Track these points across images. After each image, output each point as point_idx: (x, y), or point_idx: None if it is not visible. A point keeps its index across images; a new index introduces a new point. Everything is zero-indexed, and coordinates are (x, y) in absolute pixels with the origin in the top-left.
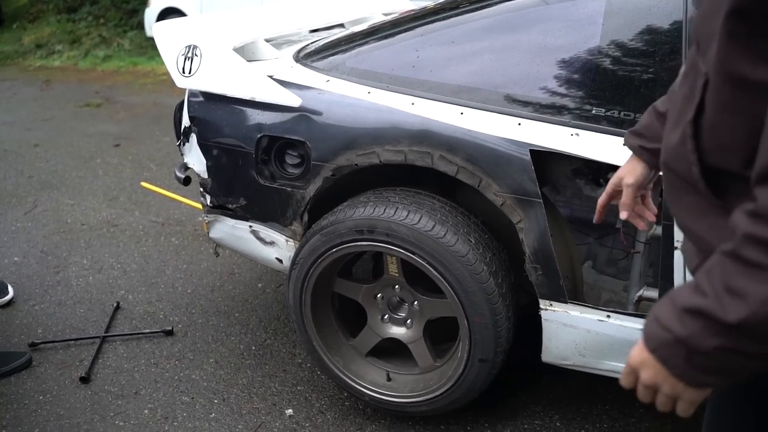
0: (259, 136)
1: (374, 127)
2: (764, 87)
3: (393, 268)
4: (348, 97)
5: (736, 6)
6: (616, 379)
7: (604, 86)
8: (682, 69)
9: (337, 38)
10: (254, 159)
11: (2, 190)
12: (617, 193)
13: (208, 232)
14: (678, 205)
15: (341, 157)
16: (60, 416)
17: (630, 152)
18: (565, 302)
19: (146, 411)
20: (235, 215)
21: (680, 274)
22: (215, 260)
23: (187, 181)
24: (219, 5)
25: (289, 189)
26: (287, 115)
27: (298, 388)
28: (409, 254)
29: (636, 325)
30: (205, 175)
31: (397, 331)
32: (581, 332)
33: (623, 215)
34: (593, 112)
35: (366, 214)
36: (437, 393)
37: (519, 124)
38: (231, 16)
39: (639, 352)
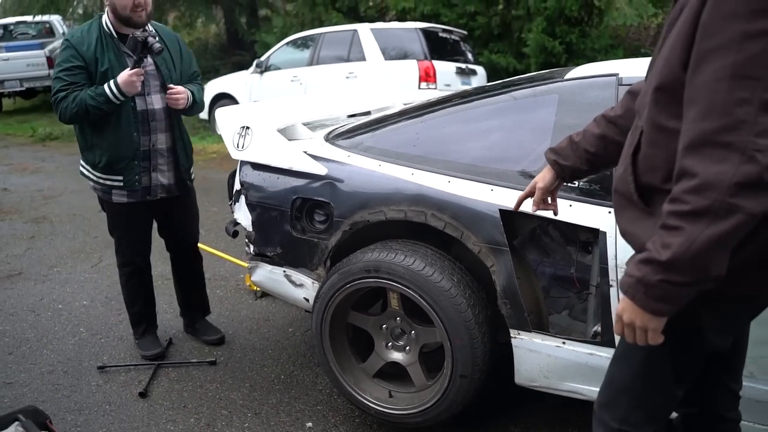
0: (294, 197)
1: (382, 191)
2: (675, 131)
3: (394, 303)
4: (363, 169)
5: (658, 85)
6: (587, 406)
7: None
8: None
9: (359, 122)
10: (289, 216)
11: (73, 248)
12: (532, 193)
13: (250, 276)
14: (621, 216)
15: (357, 215)
16: (122, 421)
17: (547, 164)
18: (529, 331)
19: (192, 420)
20: (272, 262)
21: (615, 302)
22: (254, 309)
23: (235, 234)
24: (266, 92)
25: (316, 240)
26: (316, 182)
27: (318, 407)
28: (405, 288)
29: (586, 350)
30: (251, 229)
31: (398, 357)
32: (543, 357)
33: (533, 209)
34: None
35: (373, 257)
36: (428, 405)
37: (492, 189)
38: (277, 104)
39: (620, 302)
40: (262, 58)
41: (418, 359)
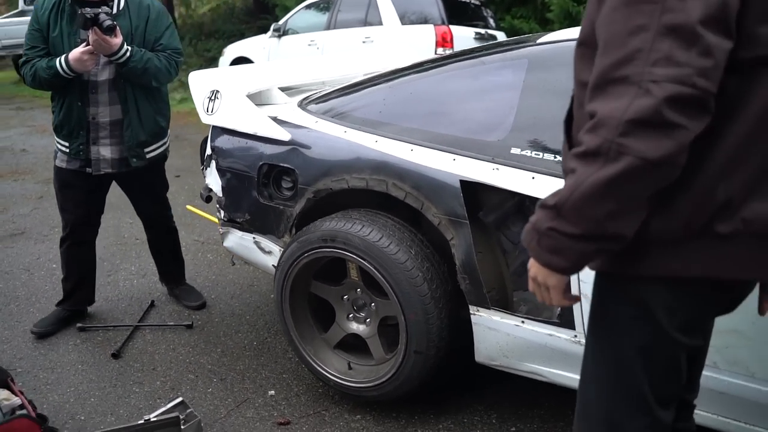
0: (260, 163)
1: (346, 159)
2: None
3: (353, 273)
4: (328, 135)
5: (580, 40)
6: (554, 388)
7: (521, 130)
8: None
9: (333, 89)
10: (256, 182)
11: None
12: None
13: (222, 242)
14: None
15: (320, 182)
16: (91, 380)
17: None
18: (488, 308)
19: (158, 382)
20: (242, 228)
21: (575, 286)
22: (239, 274)
23: (209, 199)
24: (283, 56)
25: (282, 207)
26: (282, 148)
27: (284, 375)
28: (360, 260)
29: (545, 330)
30: (221, 194)
31: (358, 328)
32: (502, 335)
33: None
34: (511, 150)
35: (330, 227)
36: (383, 380)
37: (454, 159)
38: (256, 68)
39: None
40: (280, 22)
41: (377, 332)
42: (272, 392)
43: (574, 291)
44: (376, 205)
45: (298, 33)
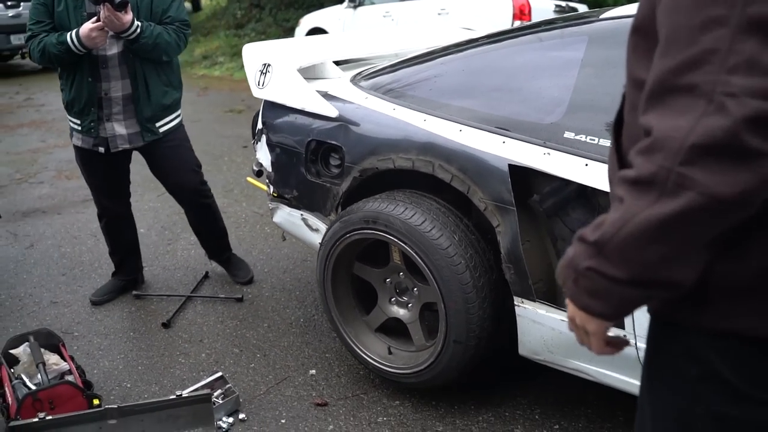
0: (308, 140)
1: (393, 137)
2: None
3: (396, 257)
4: (377, 112)
5: (635, 26)
6: (606, 388)
7: (577, 113)
8: None
9: (387, 64)
10: (304, 158)
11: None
12: None
13: (272, 217)
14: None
15: (366, 161)
16: (140, 349)
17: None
18: (533, 301)
19: (203, 355)
20: (290, 204)
21: None
22: (294, 248)
23: (259, 173)
24: (358, 26)
25: (329, 185)
26: (330, 124)
27: (326, 355)
28: (401, 243)
29: None
30: (270, 169)
31: (400, 312)
32: (547, 330)
33: None
34: (565, 134)
35: (373, 208)
36: (422, 367)
37: (503, 142)
38: (311, 41)
39: None
40: None
41: (419, 318)
42: (313, 371)
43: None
44: (427, 186)
45: (374, 4)
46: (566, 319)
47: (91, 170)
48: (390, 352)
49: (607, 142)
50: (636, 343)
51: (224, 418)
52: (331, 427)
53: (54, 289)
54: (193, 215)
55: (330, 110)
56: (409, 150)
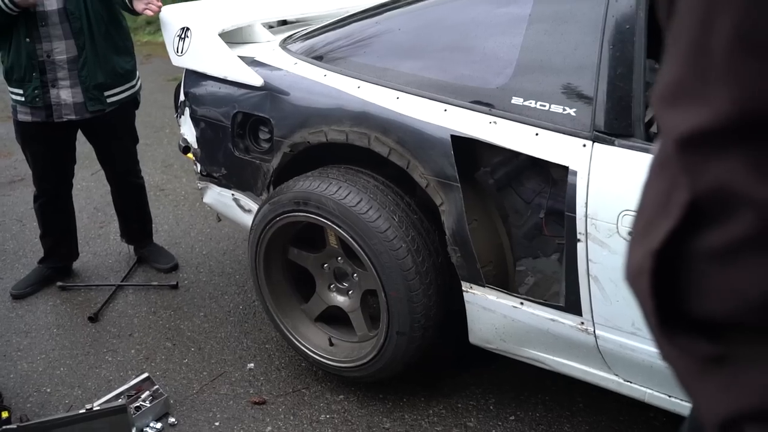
0: (234, 112)
1: (324, 107)
2: None
3: (332, 240)
4: (307, 79)
5: None
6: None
7: (525, 75)
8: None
9: (318, 25)
10: (231, 133)
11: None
12: None
13: (202, 197)
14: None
15: (296, 135)
16: (64, 347)
17: None
18: (482, 286)
19: (133, 351)
20: (220, 183)
21: (583, 266)
22: (236, 228)
23: (186, 150)
24: None
25: (258, 162)
26: (256, 94)
27: (266, 346)
28: (335, 227)
29: (547, 314)
30: (195, 146)
31: (340, 300)
32: (498, 317)
33: None
34: (512, 100)
35: (303, 188)
36: (365, 360)
37: (445, 110)
38: (240, 1)
39: None
40: None
41: (361, 306)
42: (251, 365)
43: (581, 270)
44: (369, 162)
45: None
46: (520, 306)
47: (34, 147)
48: (331, 344)
49: (558, 108)
50: (594, 331)
51: (152, 424)
52: (269, 428)
53: None
54: (119, 195)
55: (255, 78)
56: (342, 121)
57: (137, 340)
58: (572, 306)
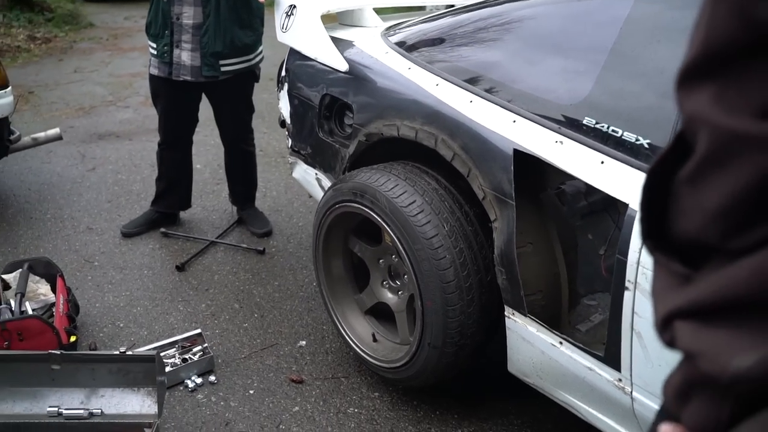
0: (323, 93)
1: (401, 101)
2: None
3: (387, 237)
4: (392, 70)
5: None
6: None
7: (603, 94)
8: None
9: (420, 17)
10: (318, 114)
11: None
12: None
13: (291, 171)
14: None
15: (372, 125)
16: (147, 288)
17: None
18: (524, 315)
19: (203, 305)
20: (306, 161)
21: (628, 318)
22: None
23: (282, 124)
24: None
25: (338, 146)
26: (343, 79)
27: (323, 327)
28: (384, 223)
29: (585, 361)
30: (288, 121)
31: (389, 298)
32: (537, 352)
33: None
34: (584, 120)
35: (363, 179)
36: (398, 364)
37: (514, 121)
38: None
39: None
40: None
41: (407, 308)
42: (303, 343)
43: (625, 322)
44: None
45: None
46: (558, 345)
47: (159, 99)
48: (375, 340)
49: (632, 137)
50: (632, 392)
51: (194, 377)
52: (296, 408)
53: (95, 215)
54: (229, 158)
55: (341, 63)
56: (415, 117)
57: (210, 296)
58: (612, 359)
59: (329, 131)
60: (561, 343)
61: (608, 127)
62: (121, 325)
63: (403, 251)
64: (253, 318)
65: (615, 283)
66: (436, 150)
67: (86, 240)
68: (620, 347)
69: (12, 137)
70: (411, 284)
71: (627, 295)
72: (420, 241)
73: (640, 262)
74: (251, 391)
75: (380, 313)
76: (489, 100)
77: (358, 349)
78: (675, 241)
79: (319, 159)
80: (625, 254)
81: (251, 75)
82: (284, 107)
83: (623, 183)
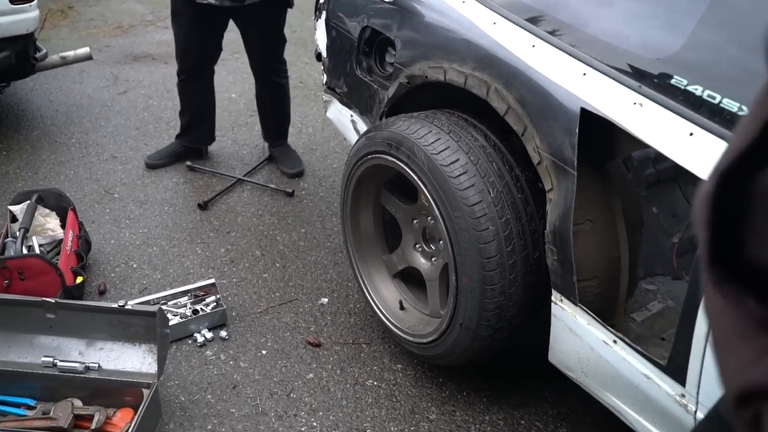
0: (363, 26)
1: (452, 39)
2: None
3: (423, 197)
4: (443, 3)
5: None
6: None
7: (698, 51)
8: None
9: None
10: (357, 48)
11: None
12: None
13: (325, 110)
14: None
15: (416, 66)
16: (166, 226)
17: None
18: (575, 304)
19: (223, 249)
20: (341, 101)
21: (703, 327)
22: None
23: (319, 57)
24: None
25: (377, 86)
26: (388, 9)
27: (348, 284)
28: (420, 183)
29: (643, 367)
30: (325, 54)
31: (422, 263)
32: (585, 347)
33: None
34: (673, 80)
35: (400, 129)
36: (425, 341)
37: (584, 73)
38: None
39: None
40: None
41: (440, 278)
42: (325, 300)
43: (699, 332)
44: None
45: None
46: (612, 344)
47: (180, 21)
48: (402, 308)
49: (733, 105)
50: (695, 412)
51: (204, 331)
52: (311, 375)
53: (121, 143)
54: (260, 90)
55: None
56: (465, 60)
57: (231, 240)
58: (676, 371)
59: (368, 69)
60: (615, 342)
61: (703, 91)
62: (135, 265)
63: (439, 217)
64: (274, 268)
65: (691, 284)
66: (487, 101)
67: (109, 169)
68: (688, 359)
69: (38, 55)
70: (446, 253)
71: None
72: (460, 208)
73: None
74: (264, 352)
75: (410, 278)
76: (555, 46)
77: (382, 316)
78: (750, 271)
79: (355, 99)
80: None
81: (282, 2)
82: (321, 38)
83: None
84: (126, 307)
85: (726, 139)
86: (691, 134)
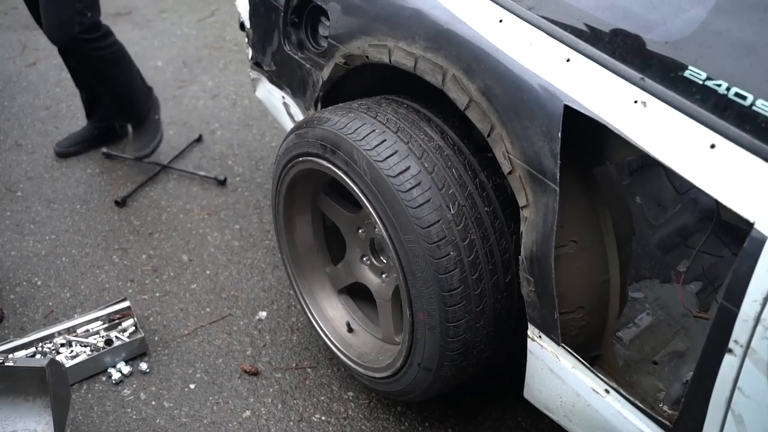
0: None
1: (398, 10)
2: None
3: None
4: None
5: None
6: None
7: (721, 35)
8: None
9: None
10: (283, 18)
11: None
12: None
13: (253, 88)
14: None
15: (354, 42)
16: (78, 231)
17: None
18: (557, 344)
19: (144, 256)
20: (271, 79)
21: (724, 392)
22: None
23: (243, 26)
24: None
25: (309, 66)
26: None
27: (290, 291)
28: (363, 196)
29: (643, 425)
30: (248, 24)
31: (370, 279)
32: (569, 392)
33: None
34: (686, 71)
35: (337, 126)
36: (378, 375)
37: (568, 59)
38: None
39: None
40: None
41: (393, 299)
42: (263, 314)
43: (719, 396)
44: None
45: None
46: (603, 394)
47: None
48: (350, 329)
49: (765, 106)
50: None
51: (120, 365)
52: (247, 413)
53: (27, 126)
54: (72, 66)
55: None
56: (415, 38)
57: (154, 243)
58: (686, 431)
59: (298, 44)
60: (607, 391)
61: (728, 89)
62: (39, 282)
63: (388, 241)
64: (204, 276)
65: (711, 337)
66: (443, 91)
67: (11, 160)
68: (702, 425)
69: None
70: (400, 281)
71: (729, 360)
72: (413, 230)
73: (761, 318)
74: (192, 386)
75: (360, 293)
76: (530, 22)
77: (328, 341)
78: None
79: (286, 80)
80: (737, 300)
81: None
82: (242, 4)
83: (746, 185)
84: (6, 364)
85: (759, 155)
86: (713, 146)
